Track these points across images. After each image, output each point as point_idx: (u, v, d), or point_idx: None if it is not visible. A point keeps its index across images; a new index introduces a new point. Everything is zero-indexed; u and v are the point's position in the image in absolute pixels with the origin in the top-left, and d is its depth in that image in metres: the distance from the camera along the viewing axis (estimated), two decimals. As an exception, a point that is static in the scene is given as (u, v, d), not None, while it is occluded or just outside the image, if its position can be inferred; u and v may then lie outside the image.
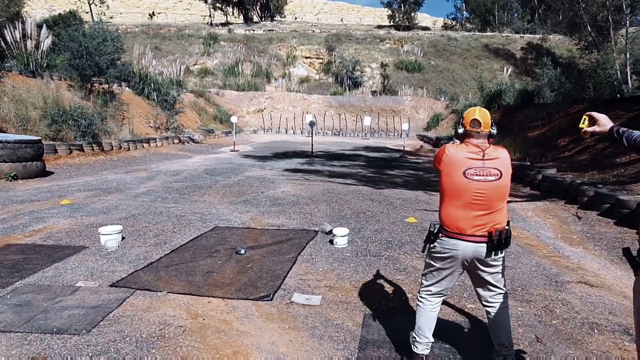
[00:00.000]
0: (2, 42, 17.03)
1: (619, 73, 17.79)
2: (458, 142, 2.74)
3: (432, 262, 2.77)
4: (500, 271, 2.73)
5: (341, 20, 67.15)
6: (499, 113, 20.36)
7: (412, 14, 50.80)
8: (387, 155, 18.20)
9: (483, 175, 2.56)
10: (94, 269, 4.54)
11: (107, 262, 4.76)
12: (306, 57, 39.54)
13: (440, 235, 2.67)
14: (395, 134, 29.13)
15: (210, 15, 51.28)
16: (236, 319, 3.51)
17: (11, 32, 16.50)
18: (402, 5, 50.46)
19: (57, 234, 5.75)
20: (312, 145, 17.71)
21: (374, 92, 35.37)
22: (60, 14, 30.57)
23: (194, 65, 36.57)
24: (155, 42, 36.83)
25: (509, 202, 7.74)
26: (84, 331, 3.23)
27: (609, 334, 3.41)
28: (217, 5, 50.78)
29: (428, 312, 2.82)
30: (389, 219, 6.95)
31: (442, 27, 56.76)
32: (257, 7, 52.23)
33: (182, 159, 15.06)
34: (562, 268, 4.91)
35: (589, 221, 7.12)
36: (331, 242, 5.54)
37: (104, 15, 36.79)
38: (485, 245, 2.58)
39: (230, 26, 44.66)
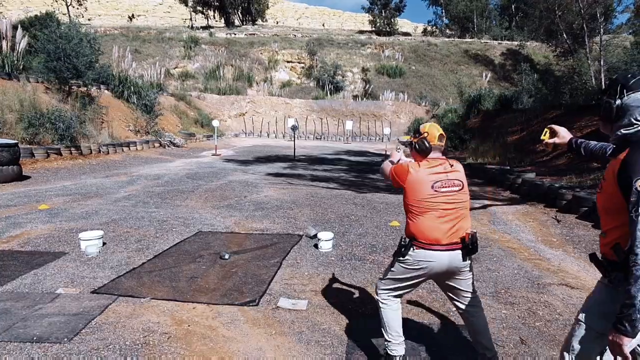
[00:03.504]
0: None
1: (593, 80, 18.22)
2: (410, 159, 2.87)
3: (399, 272, 2.76)
4: (472, 276, 2.80)
5: (323, 25, 67.39)
6: (478, 118, 20.64)
7: (393, 20, 51.28)
8: (369, 160, 18.28)
9: (449, 186, 2.67)
10: (74, 275, 4.45)
11: (88, 268, 4.67)
12: (288, 62, 39.55)
13: (413, 248, 2.68)
14: (377, 139, 29.30)
15: (191, 19, 50.95)
16: (222, 324, 3.47)
17: (-15, 33, 16.16)
18: (383, 10, 50.90)
19: (36, 240, 5.63)
20: (294, 149, 17.69)
21: (355, 97, 35.52)
22: (36, 15, 30.00)
23: (174, 68, 36.24)
24: (135, 44, 36.39)
25: (489, 205, 7.79)
26: (66, 339, 3.16)
27: (590, 335, 3.47)
28: (198, 8, 50.48)
29: (394, 311, 2.86)
30: (372, 223, 6.97)
31: (422, 33, 57.42)
32: (239, 11, 52.05)
33: (163, 163, 14.89)
34: (544, 270, 4.98)
35: (568, 224, 7.25)
36: (316, 246, 5.53)
37: (82, 17, 36.26)
38: (460, 251, 2.66)
39: (212, 29, 44.43)
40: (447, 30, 54.04)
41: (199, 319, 3.56)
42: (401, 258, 2.72)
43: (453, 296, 2.83)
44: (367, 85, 36.36)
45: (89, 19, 43.08)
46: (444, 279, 2.77)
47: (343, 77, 37.21)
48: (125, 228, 6.31)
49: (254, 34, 43.34)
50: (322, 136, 29.92)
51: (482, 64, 40.31)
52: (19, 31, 17.14)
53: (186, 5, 50.14)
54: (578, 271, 5.04)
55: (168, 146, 19.47)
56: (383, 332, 2.86)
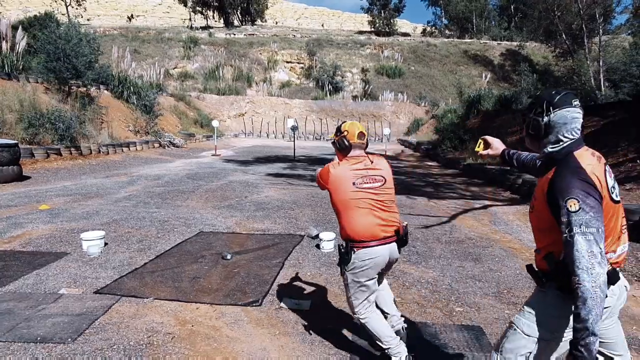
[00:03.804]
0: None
1: (592, 80, 18.29)
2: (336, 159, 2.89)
3: (356, 280, 2.75)
4: None
5: (322, 25, 67.42)
6: (478, 118, 20.65)
7: (392, 20, 51.34)
8: (369, 160, 18.27)
9: (370, 182, 2.73)
10: (76, 275, 4.45)
11: (90, 268, 4.67)
12: (287, 62, 39.57)
13: (354, 250, 2.69)
14: (376, 139, 29.31)
15: (190, 19, 50.96)
16: (225, 325, 3.47)
17: (-15, 34, 16.14)
18: (382, 11, 50.94)
19: (37, 240, 5.62)
20: (294, 149, 17.69)
21: (354, 97, 35.54)
22: (35, 15, 29.98)
23: (174, 68, 36.24)
24: (134, 45, 36.38)
25: (490, 206, 7.80)
26: (70, 340, 3.16)
27: (593, 335, 3.47)
28: (198, 8, 50.48)
29: (378, 318, 2.86)
30: (373, 223, 6.97)
31: (421, 33, 57.47)
32: (238, 11, 52.04)
33: (163, 163, 14.89)
34: (546, 271, 4.99)
35: (568, 224, 7.25)
36: (318, 246, 5.53)
37: (81, 17, 36.23)
38: (395, 243, 2.77)
39: (211, 30, 44.44)
40: (447, 31, 54.11)
41: (203, 319, 3.56)
42: (346, 266, 2.72)
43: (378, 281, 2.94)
44: (367, 86, 36.38)
45: (88, 19, 43.07)
46: (385, 269, 2.86)
47: (342, 77, 37.24)
48: (126, 228, 6.31)
49: (253, 34, 43.35)
50: (321, 136, 29.93)
51: (481, 64, 40.36)
52: (19, 31, 17.13)
53: (185, 5, 50.13)
54: (580, 271, 5.05)
55: (168, 146, 19.47)
56: (379, 342, 2.84)
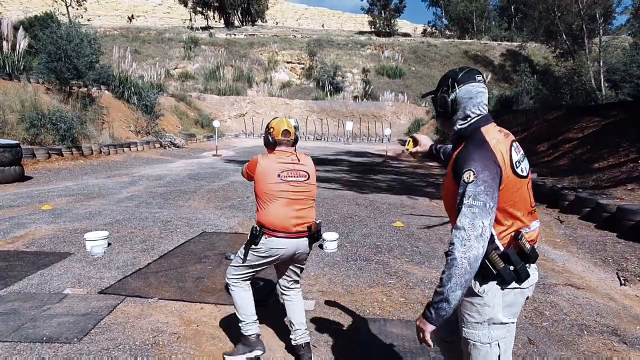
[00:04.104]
0: (-24, 44, 16.67)
1: (593, 80, 18.28)
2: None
3: (254, 261, 2.89)
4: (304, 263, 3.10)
5: (322, 25, 67.43)
6: (479, 119, 20.67)
7: (393, 21, 51.35)
8: (370, 160, 18.30)
9: (294, 176, 2.89)
10: (81, 275, 4.45)
11: (94, 268, 4.68)
12: (288, 62, 39.56)
13: (265, 236, 2.82)
14: (377, 139, 29.32)
15: (190, 19, 50.97)
16: (230, 325, 3.48)
17: (-14, 34, 16.16)
18: (382, 11, 50.95)
19: (40, 240, 5.63)
20: (295, 150, 17.68)
21: (355, 97, 35.53)
22: (36, 15, 30.02)
23: (174, 69, 36.24)
24: (134, 45, 36.39)
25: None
26: (76, 339, 3.17)
27: (597, 335, 3.49)
28: (198, 9, 50.49)
29: (246, 292, 3.00)
30: (376, 224, 6.98)
31: (422, 33, 57.48)
32: (238, 12, 52.05)
33: (164, 163, 14.89)
34: (549, 271, 5.00)
35: (570, 225, 7.27)
36: (321, 246, 5.54)
37: (82, 17, 36.23)
38: (306, 239, 2.91)
39: (211, 30, 44.43)
40: (447, 31, 54.12)
41: (208, 319, 3.56)
42: (254, 247, 2.85)
43: (284, 274, 3.09)
44: (367, 86, 36.38)
45: (88, 20, 43.02)
46: (286, 263, 2.99)
47: (343, 77, 37.23)
48: (129, 228, 6.32)
49: (253, 35, 43.35)
50: (322, 137, 29.93)
51: (481, 64, 40.32)
52: (20, 31, 17.13)
53: (186, 5, 50.15)
54: (583, 271, 5.06)
55: (169, 147, 19.47)
56: (237, 313, 2.99)
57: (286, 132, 2.93)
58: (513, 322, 1.85)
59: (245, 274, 2.97)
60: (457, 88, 1.90)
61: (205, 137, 24.50)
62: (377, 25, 51.14)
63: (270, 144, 2.95)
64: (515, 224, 1.81)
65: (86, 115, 15.95)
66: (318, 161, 16.77)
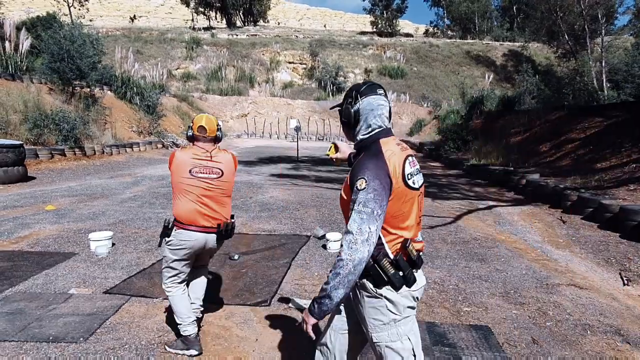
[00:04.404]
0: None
1: (595, 81, 18.26)
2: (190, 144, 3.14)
3: (171, 255, 3.01)
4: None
5: (324, 26, 67.46)
6: (480, 119, 20.64)
7: (395, 21, 51.35)
8: (372, 161, 18.27)
9: (206, 172, 3.00)
10: (85, 275, 4.47)
11: (99, 268, 4.70)
12: (290, 62, 39.61)
13: (175, 229, 2.96)
14: (379, 139, 29.29)
15: (192, 20, 51.01)
16: (235, 324, 3.50)
17: (-12, 34, 16.20)
18: (384, 12, 50.95)
19: (45, 241, 5.65)
20: (297, 150, 17.72)
21: (357, 98, 35.53)
22: (38, 16, 30.05)
23: (176, 69, 36.31)
24: (137, 45, 36.45)
25: (494, 206, 7.79)
26: (82, 339, 3.19)
27: (601, 335, 3.49)
28: (200, 9, 50.54)
29: (181, 296, 3.09)
30: (379, 224, 6.98)
31: (424, 34, 57.47)
32: (240, 12, 52.11)
33: (166, 164, 14.88)
34: (552, 271, 5.00)
35: (573, 225, 7.27)
36: (324, 246, 5.55)
37: (84, 18, 36.30)
38: (215, 235, 3.03)
39: (213, 30, 44.49)
40: (449, 31, 54.10)
41: (212, 319, 3.58)
42: (167, 239, 2.98)
43: (193, 266, 3.20)
44: (369, 86, 36.37)
45: (90, 20, 43.15)
46: (202, 254, 3.16)
47: (345, 78, 37.26)
48: (133, 229, 6.34)
49: (255, 35, 43.40)
50: (324, 137, 29.95)
51: (483, 65, 40.35)
52: (23, 32, 17.17)
53: (188, 6, 50.20)
54: (586, 271, 5.06)
55: (171, 147, 19.50)
56: (175, 317, 3.08)
57: (201, 128, 3.02)
58: (412, 315, 1.98)
59: (175, 274, 3.05)
60: (359, 100, 2.01)
61: (207, 137, 24.50)
62: (379, 25, 51.18)
63: (188, 138, 3.09)
64: (404, 232, 1.91)
65: (89, 116, 15.99)
66: (320, 161, 16.80)
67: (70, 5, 39.78)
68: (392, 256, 1.89)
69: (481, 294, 4.25)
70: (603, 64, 18.35)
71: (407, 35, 52.90)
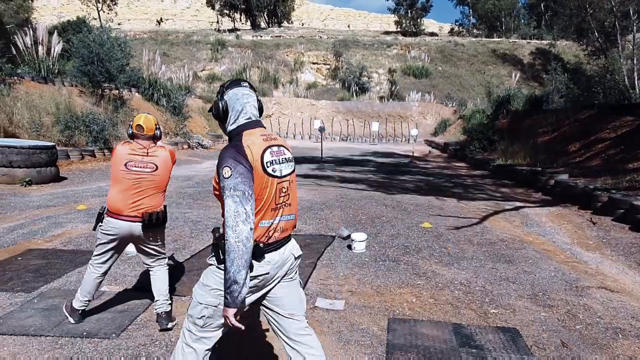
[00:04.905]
0: (14, 49, 17.27)
1: (626, 79, 17.77)
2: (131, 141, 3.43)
3: (100, 239, 3.35)
4: (160, 242, 3.54)
5: (348, 26, 67.38)
6: (507, 119, 20.32)
7: (419, 20, 50.92)
8: (396, 161, 18.22)
9: (140, 167, 3.30)
10: (116, 273, 4.59)
11: (129, 266, 4.82)
12: (313, 63, 39.67)
13: (106, 216, 3.29)
14: (403, 140, 29.16)
15: (217, 22, 51.59)
16: (262, 323, 3.54)
17: (22, 39, 16.71)
18: (409, 11, 50.60)
19: (77, 239, 5.81)
20: (321, 150, 17.76)
21: (381, 98, 35.42)
22: (69, 20, 30.88)
23: (201, 71, 36.77)
24: (163, 48, 37.04)
25: (521, 207, 7.71)
26: (114, 335, 3.28)
27: (633, 339, 3.42)
28: (225, 11, 51.05)
29: (94, 279, 3.41)
30: (404, 224, 6.97)
31: (449, 32, 56.86)
32: (265, 14, 52.44)
33: (192, 164, 15.13)
34: (581, 273, 4.91)
35: (603, 226, 7.11)
36: (349, 247, 5.56)
37: (112, 21, 37.14)
38: (139, 224, 3.27)
39: (238, 32, 44.90)
40: (474, 30, 53.39)
41: (239, 318, 3.62)
42: (100, 224, 3.33)
43: (143, 255, 3.53)
44: (393, 86, 36.20)
45: (118, 24, 44.08)
46: (135, 242, 3.42)
47: (369, 78, 37.13)
48: (161, 228, 6.45)
49: (279, 36, 43.62)
50: (347, 137, 29.93)
51: (510, 63, 39.69)
52: (55, 36, 17.67)
53: (213, 8, 50.76)
54: (617, 274, 4.95)
55: (196, 148, 19.78)
56: (79, 290, 3.43)
57: (139, 127, 3.34)
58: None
59: (101, 254, 3.37)
60: (226, 93, 2.21)
61: (232, 138, 24.75)
62: (404, 25, 50.81)
63: (130, 135, 3.41)
64: (258, 216, 2.04)
65: (117, 117, 16.34)
66: (344, 162, 16.81)
67: (99, 9, 40.76)
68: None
69: (509, 296, 4.20)
70: (634, 61, 17.85)
71: (432, 34, 52.40)
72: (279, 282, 2.20)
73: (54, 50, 17.55)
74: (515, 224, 7.31)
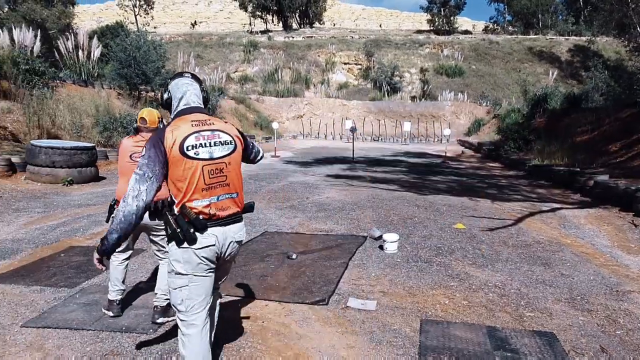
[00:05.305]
0: (56, 53, 17.95)
1: (672, 76, 17.07)
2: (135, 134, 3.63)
3: None
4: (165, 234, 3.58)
5: (380, 25, 67.03)
6: (544, 118, 19.82)
7: (452, 18, 50.19)
8: (428, 161, 18.02)
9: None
10: (152, 270, 4.71)
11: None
12: (345, 63, 39.63)
13: (116, 207, 3.33)
14: (435, 140, 28.81)
15: (250, 23, 52.18)
16: (294, 322, 3.58)
17: (64, 43, 17.35)
18: (442, 9, 49.93)
19: (116, 237, 5.98)
20: (353, 151, 17.73)
21: (413, 98, 35.09)
22: (107, 25, 31.79)
23: (234, 72, 37.25)
24: (197, 50, 37.72)
25: (559, 209, 7.56)
26: (151, 330, 3.38)
27: (678, 347, 3.29)
28: (257, 13, 51.55)
29: (116, 267, 3.57)
30: (436, 225, 6.90)
31: (482, 30, 55.83)
32: (297, 15, 52.71)
33: (225, 164, 15.34)
34: (622, 277, 4.76)
35: (646, 229, 6.86)
36: (381, 247, 5.55)
37: (148, 25, 38.05)
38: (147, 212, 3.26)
39: (270, 33, 45.28)
40: (510, 27, 52.25)
41: (272, 316, 3.68)
42: (113, 215, 3.26)
43: (153, 244, 3.64)
44: (425, 86, 35.80)
45: (155, 27, 45.08)
46: (146, 232, 3.58)
47: (401, 77, 36.84)
48: (195, 227, 6.58)
49: (311, 37, 43.77)
50: (379, 138, 29.77)
51: (547, 61, 38.66)
52: (94, 41, 18.27)
53: (246, 10, 51.34)
54: (661, 279, 4.77)
55: (230, 148, 20.01)
56: (109, 283, 3.60)
57: (142, 120, 3.53)
58: (195, 275, 2.29)
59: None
60: (170, 84, 2.50)
61: (263, 138, 25.00)
62: (436, 23, 50.16)
63: (134, 130, 3.60)
64: (186, 196, 2.24)
65: (154, 119, 16.73)
66: (376, 162, 16.75)
67: (136, 14, 41.84)
68: (175, 215, 2.27)
69: (545, 300, 4.11)
70: (680, 57, 17.14)
71: (466, 32, 51.55)
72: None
73: (94, 54, 18.15)
74: (552, 225, 7.13)
